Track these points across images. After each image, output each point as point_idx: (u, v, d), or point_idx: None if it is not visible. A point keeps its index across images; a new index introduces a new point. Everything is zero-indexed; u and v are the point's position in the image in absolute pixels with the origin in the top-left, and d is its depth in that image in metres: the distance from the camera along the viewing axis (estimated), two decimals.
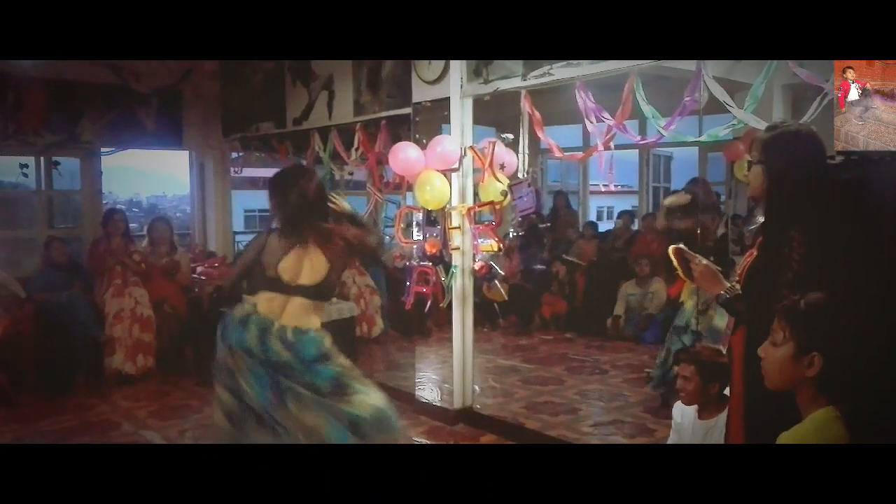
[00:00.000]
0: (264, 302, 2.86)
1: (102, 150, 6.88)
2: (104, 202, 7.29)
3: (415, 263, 4.66)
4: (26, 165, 6.53)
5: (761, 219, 2.18)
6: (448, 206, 4.49)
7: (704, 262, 2.31)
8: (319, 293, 2.91)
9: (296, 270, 2.87)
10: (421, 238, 4.69)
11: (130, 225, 6.44)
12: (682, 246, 2.38)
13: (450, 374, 4.72)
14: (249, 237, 10.60)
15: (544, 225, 8.29)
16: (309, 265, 2.88)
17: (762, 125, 3.17)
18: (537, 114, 4.22)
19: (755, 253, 2.20)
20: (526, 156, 4.47)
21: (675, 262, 2.38)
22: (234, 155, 7.41)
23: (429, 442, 4.28)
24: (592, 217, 10.10)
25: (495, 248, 4.46)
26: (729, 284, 2.24)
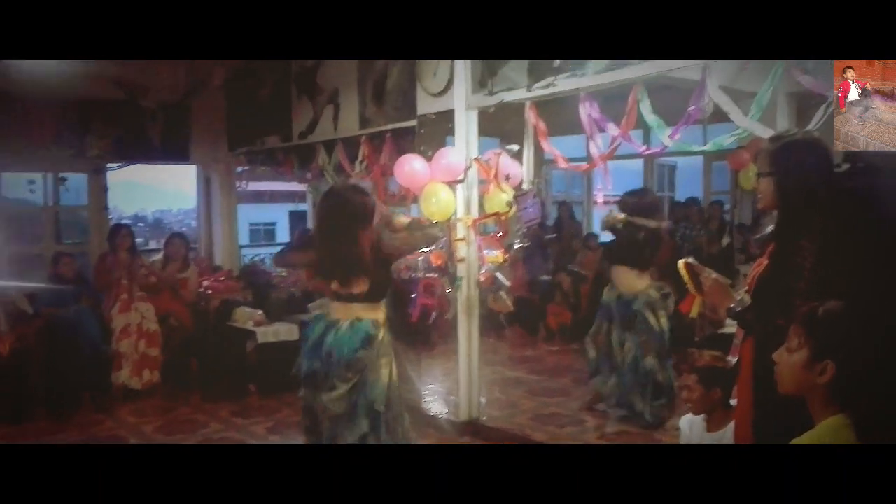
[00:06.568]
0: None
1: (109, 165, 6.93)
2: (109, 217, 7.33)
3: (420, 275, 4.66)
4: (33, 181, 6.58)
5: (769, 228, 2.17)
6: (453, 217, 4.49)
7: (714, 275, 2.29)
8: None
9: None
10: (427, 250, 4.69)
11: (136, 240, 6.46)
12: (691, 260, 2.36)
13: (456, 386, 4.70)
14: (255, 251, 10.64)
15: (549, 236, 8.30)
16: None
17: (767, 133, 3.17)
18: (542, 124, 4.23)
19: (765, 262, 2.19)
20: (531, 166, 4.48)
21: (685, 277, 2.35)
22: (240, 169, 7.44)
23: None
24: (597, 227, 10.08)
25: (501, 259, 4.47)
26: (739, 297, 2.22)
